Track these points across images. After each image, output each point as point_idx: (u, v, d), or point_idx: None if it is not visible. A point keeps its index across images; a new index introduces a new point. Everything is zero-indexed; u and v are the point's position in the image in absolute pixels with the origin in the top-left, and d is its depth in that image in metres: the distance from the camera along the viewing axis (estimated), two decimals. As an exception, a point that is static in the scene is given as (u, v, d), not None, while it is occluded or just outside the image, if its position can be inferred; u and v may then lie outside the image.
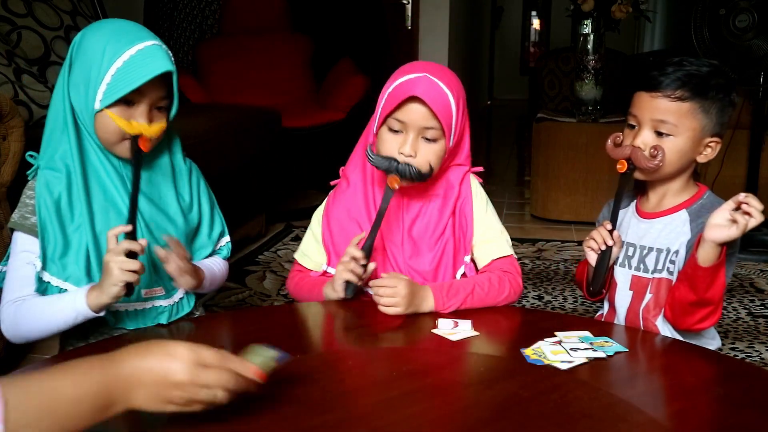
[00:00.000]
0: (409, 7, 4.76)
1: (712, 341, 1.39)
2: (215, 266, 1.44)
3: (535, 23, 11.46)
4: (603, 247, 1.35)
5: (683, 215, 1.36)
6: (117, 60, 1.21)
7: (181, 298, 1.36)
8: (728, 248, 1.23)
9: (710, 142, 1.34)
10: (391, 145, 1.31)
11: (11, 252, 1.29)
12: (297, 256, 1.51)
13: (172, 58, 1.26)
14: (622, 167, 1.34)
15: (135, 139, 1.24)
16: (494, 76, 10.90)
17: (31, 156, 1.30)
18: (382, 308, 1.28)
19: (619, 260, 1.42)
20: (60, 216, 1.26)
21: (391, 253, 1.40)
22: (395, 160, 1.30)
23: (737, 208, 1.19)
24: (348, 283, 1.32)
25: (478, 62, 8.30)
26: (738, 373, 1.14)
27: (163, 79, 1.25)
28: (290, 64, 4.21)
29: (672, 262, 1.34)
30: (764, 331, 2.25)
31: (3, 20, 2.53)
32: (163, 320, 1.32)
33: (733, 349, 2.10)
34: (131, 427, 0.90)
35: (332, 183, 1.50)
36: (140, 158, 1.25)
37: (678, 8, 6.64)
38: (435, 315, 1.28)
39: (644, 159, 1.32)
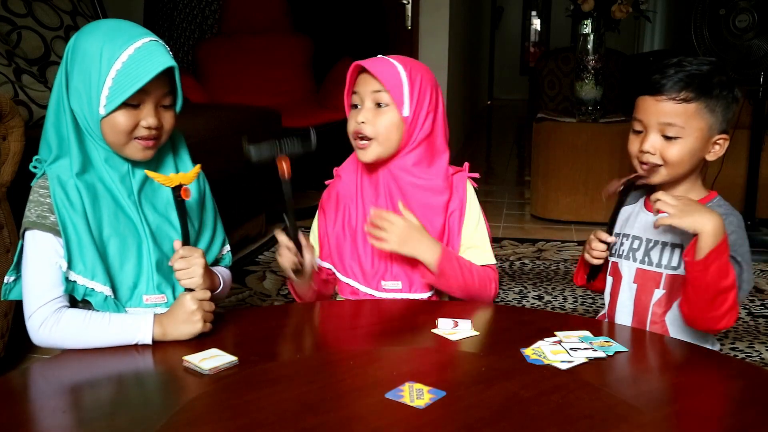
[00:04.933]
0: (409, 7, 4.75)
1: (712, 347, 1.39)
2: (225, 274, 1.42)
3: (535, 23, 11.46)
4: (601, 258, 1.41)
5: None
6: (116, 62, 1.18)
7: None
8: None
9: (718, 139, 1.35)
10: (353, 120, 1.42)
11: (29, 254, 1.23)
12: None
13: (170, 52, 1.24)
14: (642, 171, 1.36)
15: (177, 189, 1.23)
16: (494, 76, 10.89)
17: (36, 160, 1.26)
18: (371, 240, 1.36)
19: (624, 253, 1.42)
20: (77, 215, 1.22)
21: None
22: (276, 141, 1.32)
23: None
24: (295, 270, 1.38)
25: (478, 62, 8.29)
26: (738, 373, 1.14)
27: (165, 75, 1.23)
28: (290, 64, 4.21)
29: None
30: (764, 331, 2.25)
31: (3, 20, 2.53)
32: None
33: (733, 349, 2.10)
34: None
35: (326, 182, 1.56)
36: (184, 206, 1.25)
37: (678, 8, 6.64)
38: (435, 315, 1.28)
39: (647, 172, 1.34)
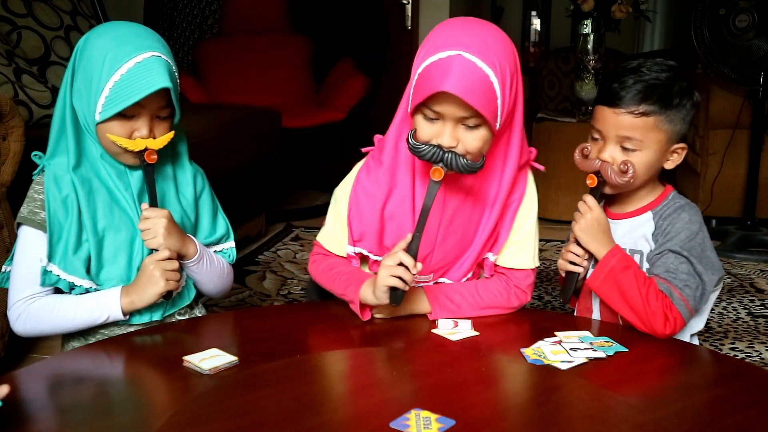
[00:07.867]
0: (409, 7, 4.75)
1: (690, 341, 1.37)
2: (214, 254, 1.42)
3: (535, 23, 11.45)
4: (582, 266, 1.33)
5: (648, 216, 1.35)
6: (115, 73, 1.19)
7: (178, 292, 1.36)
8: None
9: (677, 149, 1.32)
10: (428, 135, 1.16)
11: (18, 248, 1.28)
12: (320, 237, 1.36)
13: (174, 67, 1.25)
14: (592, 182, 1.30)
15: (142, 153, 1.25)
16: (494, 76, 10.89)
17: (36, 156, 1.30)
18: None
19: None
20: (67, 212, 1.25)
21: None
22: (440, 147, 1.14)
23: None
24: (393, 289, 1.17)
25: (478, 62, 8.28)
26: (738, 373, 1.14)
27: (164, 89, 1.22)
28: (290, 64, 4.20)
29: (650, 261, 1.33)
30: (764, 331, 2.25)
31: (3, 20, 2.53)
32: (157, 314, 1.31)
33: (733, 349, 2.10)
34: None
35: (364, 150, 1.34)
36: (151, 170, 1.27)
37: (678, 8, 6.64)
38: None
39: (615, 174, 1.28)
